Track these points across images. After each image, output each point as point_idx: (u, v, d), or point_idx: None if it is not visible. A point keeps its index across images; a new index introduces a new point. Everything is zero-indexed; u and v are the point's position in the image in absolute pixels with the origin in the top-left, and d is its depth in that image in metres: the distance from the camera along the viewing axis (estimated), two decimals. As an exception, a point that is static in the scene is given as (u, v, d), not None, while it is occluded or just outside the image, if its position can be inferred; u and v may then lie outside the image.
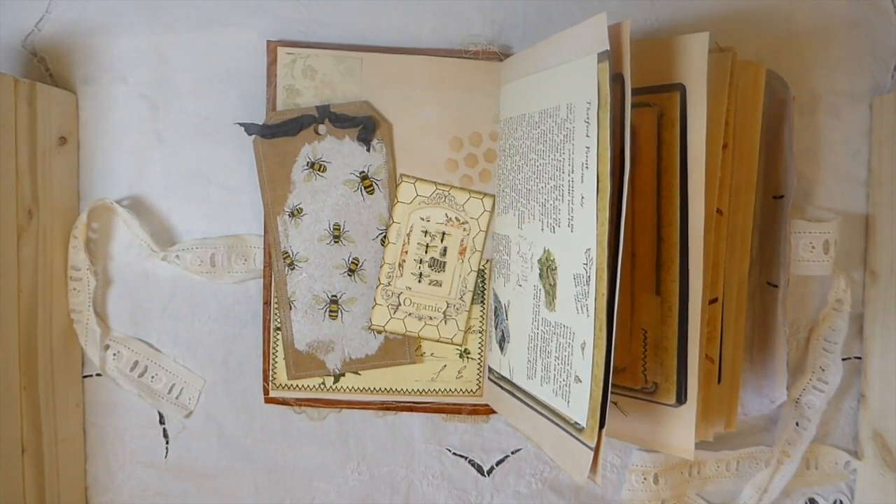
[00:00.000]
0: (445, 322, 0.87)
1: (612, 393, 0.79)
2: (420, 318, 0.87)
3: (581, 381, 0.66)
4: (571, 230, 0.68)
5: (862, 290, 0.92)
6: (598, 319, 0.63)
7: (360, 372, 0.88)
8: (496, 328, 0.85)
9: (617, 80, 0.64)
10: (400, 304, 0.87)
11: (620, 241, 0.63)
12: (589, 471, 0.65)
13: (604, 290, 0.62)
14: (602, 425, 0.64)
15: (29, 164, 0.79)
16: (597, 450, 0.64)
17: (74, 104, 0.86)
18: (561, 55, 0.71)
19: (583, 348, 0.66)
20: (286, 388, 0.88)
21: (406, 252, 0.86)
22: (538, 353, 0.75)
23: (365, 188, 0.85)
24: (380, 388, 0.88)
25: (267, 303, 0.87)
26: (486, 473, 0.93)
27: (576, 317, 0.67)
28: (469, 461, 0.93)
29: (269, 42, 0.85)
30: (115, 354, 0.88)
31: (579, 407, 0.67)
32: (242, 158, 0.88)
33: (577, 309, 0.67)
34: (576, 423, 0.67)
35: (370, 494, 0.93)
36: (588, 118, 0.64)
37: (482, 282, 0.87)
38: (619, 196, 0.63)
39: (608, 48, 0.62)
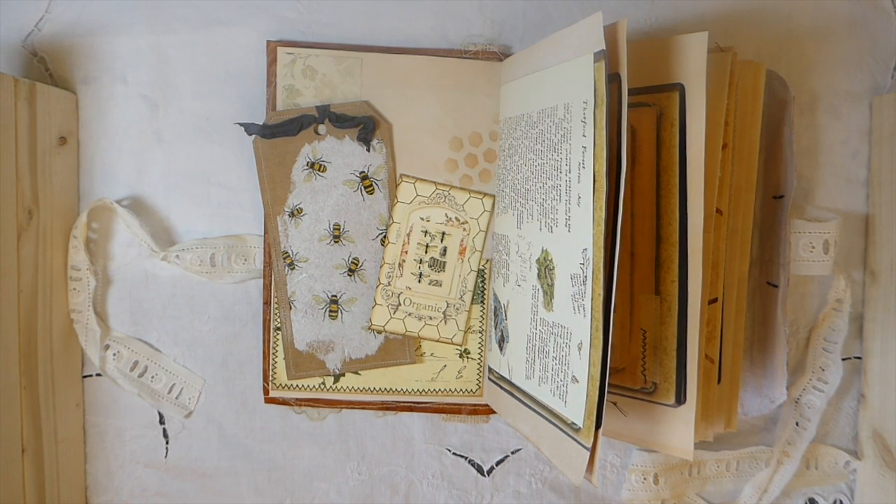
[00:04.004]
0: (445, 322, 0.87)
1: (611, 393, 0.80)
2: (420, 318, 0.87)
3: (578, 382, 0.66)
4: (569, 230, 0.68)
5: (862, 290, 0.92)
6: (595, 319, 0.63)
7: (360, 372, 0.88)
8: (496, 328, 0.85)
9: (614, 79, 0.64)
10: (400, 304, 0.87)
11: (617, 240, 0.63)
12: (585, 471, 0.65)
13: (600, 290, 0.62)
14: (598, 426, 0.64)
15: (29, 164, 0.79)
16: (593, 450, 0.64)
17: (74, 104, 0.87)
18: (558, 55, 0.71)
19: (580, 348, 0.66)
20: (286, 388, 0.88)
21: (406, 252, 0.86)
22: (536, 353, 0.75)
23: (365, 188, 0.85)
24: (380, 388, 0.88)
25: (267, 303, 0.87)
26: (486, 473, 0.93)
27: (573, 317, 0.67)
28: (469, 461, 0.93)
29: (269, 42, 0.85)
30: (115, 354, 0.89)
31: (576, 407, 0.67)
32: (242, 158, 0.88)
33: (574, 309, 0.67)
34: (573, 423, 0.67)
35: (370, 494, 0.93)
36: (585, 118, 0.64)
37: (482, 282, 0.87)
38: (615, 196, 0.63)
39: (604, 48, 0.62)
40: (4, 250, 0.76)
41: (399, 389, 0.88)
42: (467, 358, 0.88)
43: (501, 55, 0.86)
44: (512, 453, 0.93)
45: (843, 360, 0.91)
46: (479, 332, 0.88)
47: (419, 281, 0.87)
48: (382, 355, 0.88)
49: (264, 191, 0.85)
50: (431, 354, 0.88)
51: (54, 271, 0.85)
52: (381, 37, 0.87)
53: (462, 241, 0.86)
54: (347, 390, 0.88)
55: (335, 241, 0.86)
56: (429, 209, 0.86)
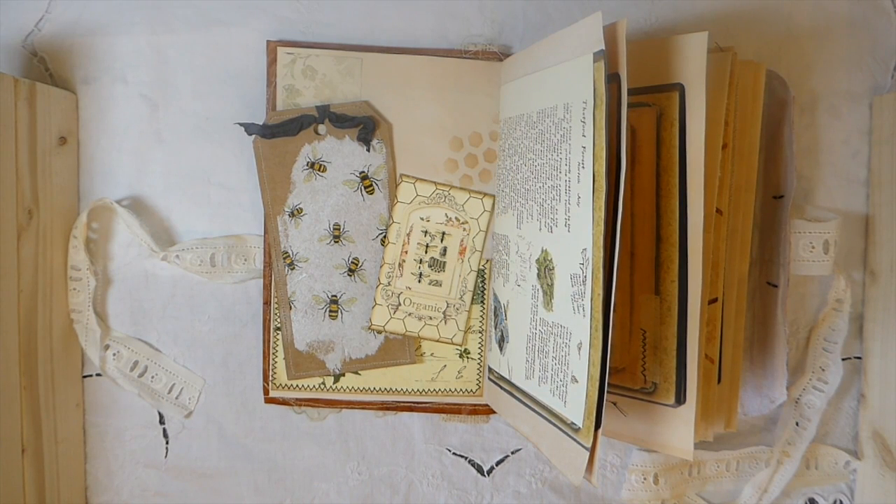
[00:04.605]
0: (445, 322, 0.87)
1: (611, 393, 0.80)
2: (420, 318, 0.87)
3: (577, 382, 0.66)
4: (568, 230, 0.68)
5: (862, 290, 0.92)
6: (595, 319, 0.63)
7: (360, 372, 0.88)
8: (496, 328, 0.85)
9: (613, 79, 0.64)
10: (400, 304, 0.87)
11: (617, 240, 0.63)
12: (585, 471, 0.65)
13: (600, 290, 0.62)
14: (598, 426, 0.63)
15: (29, 164, 0.79)
16: (593, 450, 0.64)
17: (74, 104, 0.87)
18: (558, 55, 0.71)
19: (579, 348, 0.66)
20: (286, 388, 0.88)
21: (406, 252, 0.86)
22: (536, 353, 0.75)
23: (365, 188, 0.85)
24: (380, 388, 0.88)
25: (267, 303, 0.87)
26: (486, 473, 0.93)
27: (572, 317, 0.67)
28: (469, 461, 0.93)
29: (269, 42, 0.85)
30: (115, 354, 0.89)
31: (576, 407, 0.67)
32: (242, 158, 0.88)
33: (574, 309, 0.67)
34: (572, 423, 0.67)
35: (370, 494, 0.93)
36: (584, 118, 0.64)
37: (482, 282, 0.87)
38: (615, 196, 0.63)
39: (604, 48, 0.62)
40: (4, 250, 0.76)
41: (399, 389, 0.88)
42: (467, 358, 0.88)
43: (501, 55, 0.86)
44: (512, 453, 0.93)
45: (843, 360, 0.91)
46: (479, 332, 0.88)
47: (419, 281, 0.87)
48: (382, 355, 0.88)
49: (264, 191, 0.85)
50: (431, 354, 0.88)
51: (54, 271, 0.85)
52: (381, 37, 0.87)
53: (462, 241, 0.86)
54: (347, 390, 0.88)
55: (335, 241, 0.86)
56: (429, 209, 0.86)
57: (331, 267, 0.86)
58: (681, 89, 0.71)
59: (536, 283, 0.75)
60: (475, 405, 0.89)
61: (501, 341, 0.83)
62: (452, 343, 0.88)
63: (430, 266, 0.87)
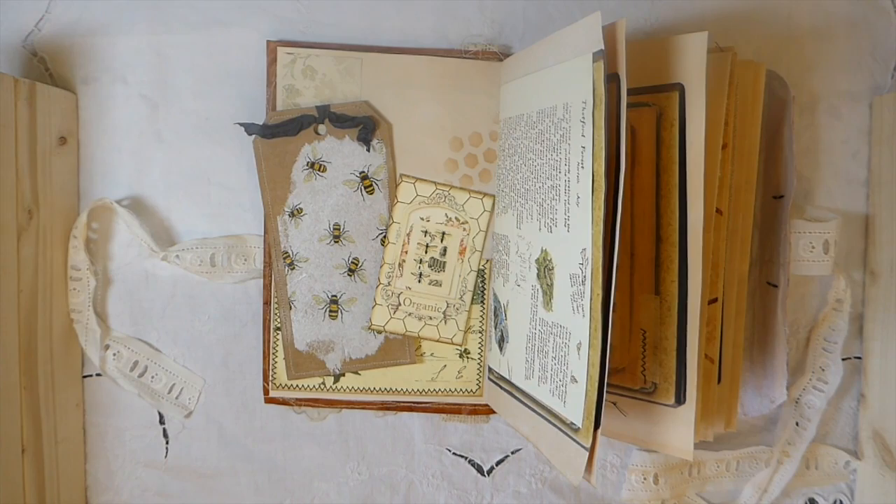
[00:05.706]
0: (445, 322, 0.87)
1: (611, 393, 0.80)
2: (420, 318, 0.87)
3: (577, 382, 0.66)
4: (568, 230, 0.68)
5: (862, 290, 0.91)
6: (594, 319, 0.63)
7: (360, 372, 0.88)
8: (496, 328, 0.85)
9: (612, 79, 0.64)
10: (400, 304, 0.87)
11: (616, 240, 0.63)
12: (584, 471, 0.65)
13: (599, 290, 0.62)
14: (597, 426, 0.63)
15: (29, 164, 0.79)
16: (592, 450, 0.64)
17: (74, 104, 0.87)
18: (557, 55, 0.71)
19: (579, 348, 0.66)
20: (286, 388, 0.88)
21: (406, 252, 0.86)
22: (536, 353, 0.75)
23: (365, 188, 0.85)
24: (380, 388, 0.88)
25: (267, 303, 0.87)
26: (486, 473, 0.93)
27: (572, 317, 0.67)
28: (469, 461, 0.93)
29: (269, 42, 0.85)
30: (115, 354, 0.89)
31: (575, 407, 0.66)
32: (242, 158, 0.88)
33: (574, 309, 0.67)
34: (572, 423, 0.67)
35: (370, 494, 0.93)
36: (583, 118, 0.64)
37: (482, 282, 0.87)
38: (614, 196, 0.63)
39: (603, 48, 0.62)
40: (4, 250, 0.76)
41: (399, 389, 0.88)
42: (467, 358, 0.88)
43: (501, 55, 0.86)
44: (512, 453, 0.93)
45: (843, 360, 0.90)
46: (479, 332, 0.88)
47: (419, 281, 0.87)
48: (382, 355, 0.88)
49: (264, 191, 0.85)
50: (431, 354, 0.88)
51: (54, 271, 0.85)
52: (381, 37, 0.87)
53: (462, 241, 0.86)
54: (347, 390, 0.88)
55: (335, 241, 0.86)
56: (429, 209, 0.86)
57: (331, 267, 0.86)
58: (681, 89, 0.71)
59: (536, 283, 0.75)
60: (475, 405, 0.89)
61: (501, 341, 0.83)
62: (452, 343, 0.88)
63: (430, 266, 0.87)
